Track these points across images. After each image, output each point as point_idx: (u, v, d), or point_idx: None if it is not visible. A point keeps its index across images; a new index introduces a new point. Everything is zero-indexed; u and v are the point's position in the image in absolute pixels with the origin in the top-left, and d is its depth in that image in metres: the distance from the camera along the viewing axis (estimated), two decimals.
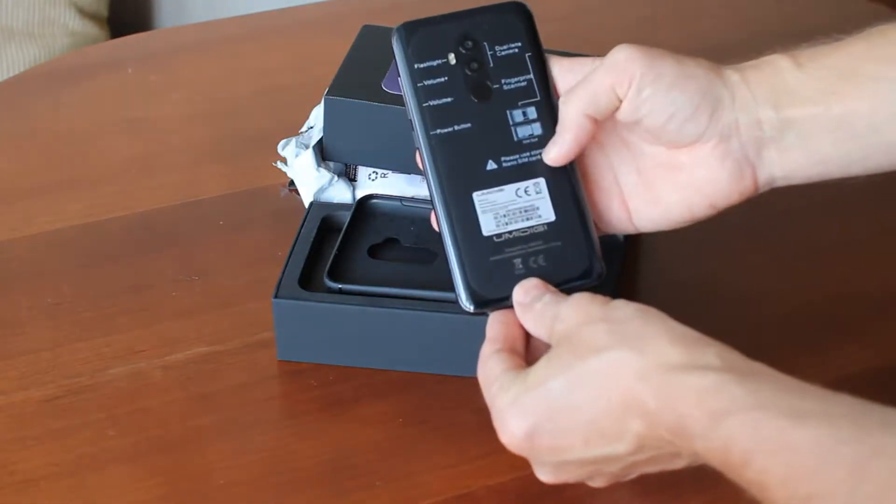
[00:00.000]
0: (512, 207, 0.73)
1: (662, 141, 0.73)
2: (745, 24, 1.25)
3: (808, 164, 0.72)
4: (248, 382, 0.83)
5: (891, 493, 0.55)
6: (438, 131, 0.74)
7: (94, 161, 1.05)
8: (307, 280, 0.84)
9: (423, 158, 0.74)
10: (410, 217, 0.89)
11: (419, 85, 0.74)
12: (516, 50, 0.75)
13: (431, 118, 0.74)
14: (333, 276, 0.84)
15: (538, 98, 0.74)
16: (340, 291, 0.83)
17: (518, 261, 0.73)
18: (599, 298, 0.68)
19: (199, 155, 1.05)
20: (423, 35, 0.75)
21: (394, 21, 1.03)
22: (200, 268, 0.92)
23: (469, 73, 0.74)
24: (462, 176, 0.74)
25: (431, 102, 0.74)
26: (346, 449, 0.78)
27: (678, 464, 0.67)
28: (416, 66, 0.74)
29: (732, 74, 0.72)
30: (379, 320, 0.82)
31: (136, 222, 0.97)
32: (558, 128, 0.73)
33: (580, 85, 0.73)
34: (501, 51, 0.75)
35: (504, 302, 0.72)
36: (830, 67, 0.72)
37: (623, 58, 0.71)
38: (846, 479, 0.57)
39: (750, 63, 0.73)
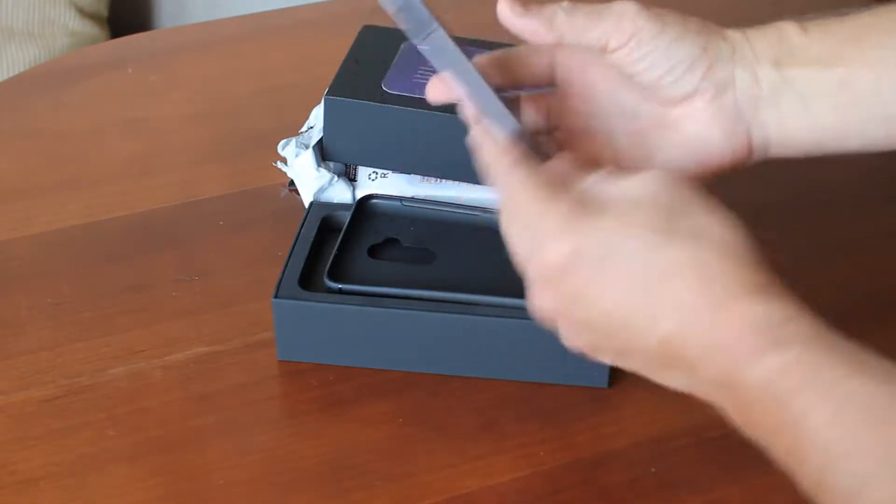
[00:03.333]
0: None
1: (657, 95, 0.72)
2: (746, 24, 1.25)
3: (805, 129, 0.71)
4: (248, 382, 0.83)
5: None
6: None
7: (94, 161, 1.05)
8: (307, 280, 0.85)
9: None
10: (410, 217, 0.89)
11: None
12: None
13: None
14: (333, 276, 0.84)
15: None
16: (340, 291, 0.83)
17: None
18: (675, 180, 0.63)
19: (199, 155, 1.05)
20: None
21: (394, 21, 1.03)
22: (200, 268, 0.92)
23: None
24: None
25: None
26: (346, 449, 0.78)
27: (671, 382, 0.64)
28: None
29: (734, 33, 0.72)
30: (379, 320, 0.82)
31: (136, 222, 0.97)
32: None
33: (586, 11, 0.71)
34: None
35: None
36: (836, 33, 0.71)
37: (630, 8, 0.70)
38: (892, 440, 0.55)
39: (755, 27, 0.72)
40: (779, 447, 0.59)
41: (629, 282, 0.61)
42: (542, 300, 0.64)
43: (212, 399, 0.82)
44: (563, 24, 0.71)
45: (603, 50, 0.71)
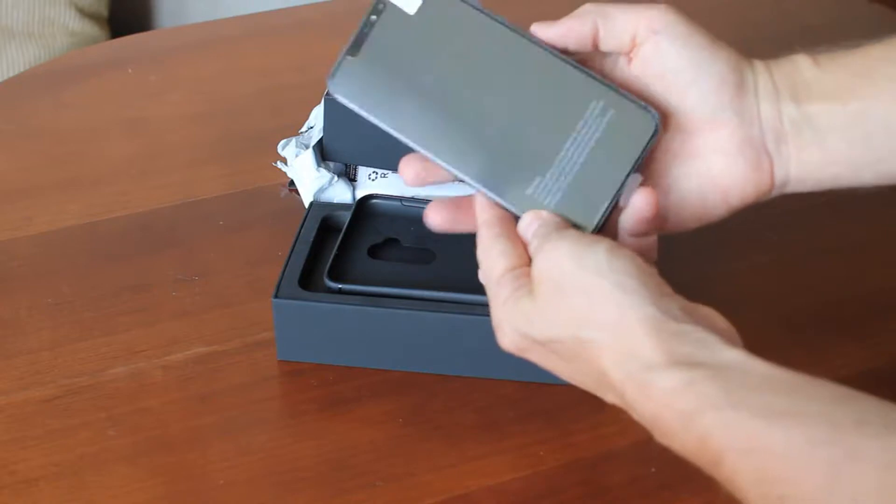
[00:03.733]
0: None
1: (682, 112, 0.70)
2: (745, 24, 1.25)
3: (822, 164, 0.70)
4: (248, 382, 0.83)
5: (866, 498, 0.55)
6: None
7: (94, 161, 1.05)
8: (307, 280, 0.85)
9: None
10: (410, 217, 0.89)
11: None
12: None
13: None
14: (333, 276, 0.84)
15: None
16: (340, 291, 0.83)
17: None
18: (571, 254, 0.66)
19: (199, 155, 1.05)
20: None
21: None
22: (200, 268, 0.92)
23: None
24: None
25: None
26: (346, 449, 0.78)
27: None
28: None
29: (759, 64, 0.71)
30: (379, 320, 0.82)
31: (136, 222, 0.97)
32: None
33: (621, 7, 0.71)
34: None
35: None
36: (847, 66, 0.70)
37: (663, 9, 0.70)
38: (821, 482, 0.56)
39: (773, 60, 0.72)
40: (735, 495, 0.61)
41: (567, 368, 0.67)
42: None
43: (212, 399, 0.82)
44: (595, 11, 0.71)
45: (632, 42, 0.70)
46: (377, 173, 0.94)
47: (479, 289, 0.80)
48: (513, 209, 0.70)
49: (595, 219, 0.70)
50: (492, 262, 0.69)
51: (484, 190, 0.71)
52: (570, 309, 0.65)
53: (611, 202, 0.70)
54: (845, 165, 0.71)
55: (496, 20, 0.72)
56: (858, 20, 1.26)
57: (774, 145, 0.70)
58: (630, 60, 0.71)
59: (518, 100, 0.71)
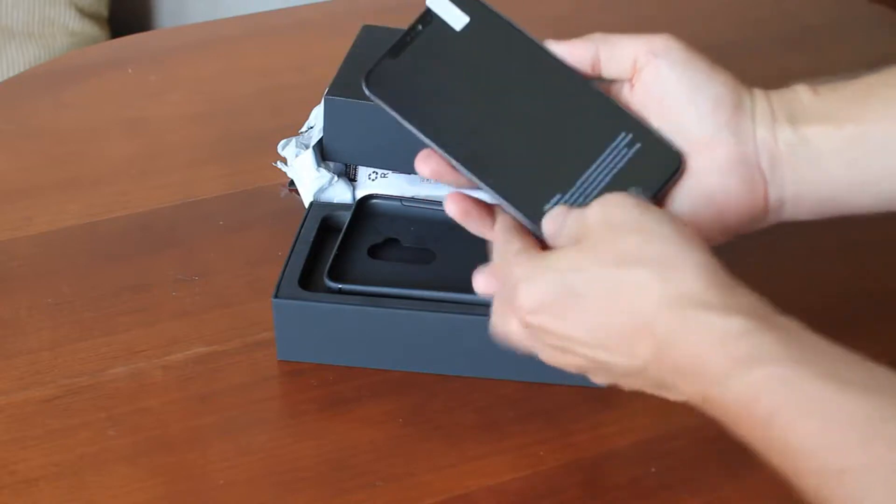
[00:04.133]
0: None
1: (680, 133, 0.71)
2: (746, 24, 1.25)
3: (817, 185, 0.71)
4: (248, 382, 0.83)
5: None
6: None
7: (94, 161, 1.05)
8: (307, 280, 0.85)
9: None
10: (410, 217, 0.89)
11: None
12: None
13: None
14: (333, 276, 0.84)
15: None
16: (340, 291, 0.83)
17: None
18: (637, 203, 0.67)
19: (199, 155, 1.05)
20: None
21: (394, 21, 1.04)
22: (200, 268, 0.92)
23: None
24: None
25: None
26: (346, 449, 0.78)
27: (670, 397, 0.66)
28: None
29: (758, 91, 0.72)
30: (379, 320, 0.82)
31: (136, 222, 0.97)
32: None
33: (626, 36, 0.72)
34: None
35: None
36: (843, 91, 0.71)
37: (664, 35, 0.71)
38: (887, 455, 0.55)
39: (773, 90, 0.73)
40: (773, 461, 0.59)
41: (597, 316, 0.64)
42: (522, 340, 0.69)
43: (212, 399, 0.82)
44: (599, 38, 0.72)
45: (633, 68, 0.71)
46: (377, 173, 0.94)
47: None
48: (527, 223, 0.71)
49: None
50: (507, 243, 0.69)
51: (503, 202, 0.72)
52: (624, 244, 0.64)
53: None
54: (841, 187, 0.71)
55: (539, 45, 0.73)
56: (858, 20, 1.26)
57: (769, 166, 0.71)
58: (632, 86, 0.72)
59: (549, 119, 0.73)
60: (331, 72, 0.95)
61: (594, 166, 0.72)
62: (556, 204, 0.71)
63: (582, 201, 0.71)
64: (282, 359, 0.84)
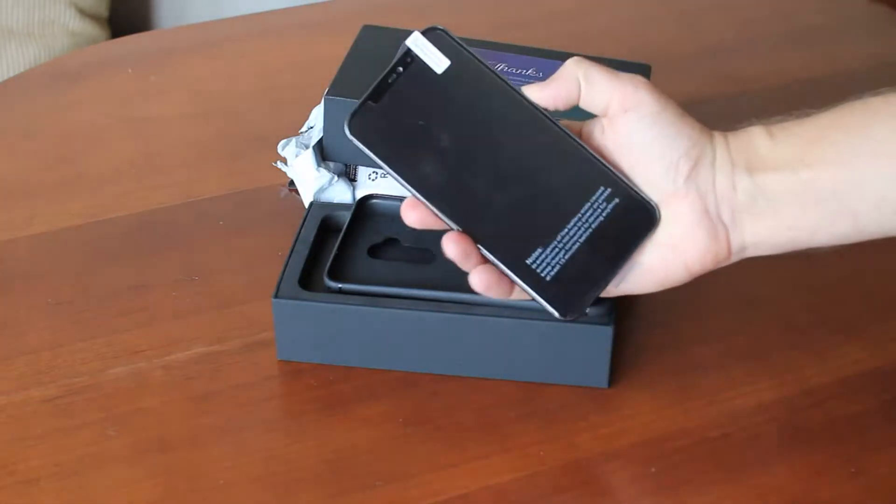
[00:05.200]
0: None
1: (646, 185, 0.74)
2: (746, 24, 1.25)
3: (776, 230, 0.74)
4: (248, 382, 0.83)
5: None
6: None
7: (94, 161, 1.05)
8: (307, 280, 0.85)
9: None
10: None
11: None
12: None
13: None
14: (333, 275, 0.84)
15: None
16: (340, 291, 0.83)
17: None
18: None
19: (199, 155, 1.05)
20: None
21: (394, 21, 1.04)
22: (200, 268, 0.92)
23: None
24: None
25: None
26: (346, 449, 0.78)
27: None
28: None
29: (718, 138, 0.75)
30: (379, 320, 0.82)
31: (136, 222, 0.97)
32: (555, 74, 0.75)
33: (603, 68, 0.75)
34: None
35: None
36: (798, 136, 0.74)
37: (642, 82, 0.74)
38: None
39: (732, 131, 0.75)
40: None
41: None
42: None
43: (212, 399, 0.82)
44: (580, 72, 0.75)
45: (605, 111, 0.74)
46: (377, 173, 0.94)
47: None
48: (510, 274, 0.74)
49: (586, 301, 0.75)
50: None
51: (485, 252, 0.74)
52: None
53: (602, 287, 0.75)
54: (800, 230, 0.74)
55: (520, 95, 0.75)
56: (858, 20, 1.26)
57: (729, 216, 0.74)
58: (604, 130, 0.75)
59: (530, 172, 0.75)
60: (331, 72, 0.95)
61: (574, 220, 0.74)
62: (538, 258, 0.74)
63: (563, 256, 0.74)
64: (282, 359, 0.84)
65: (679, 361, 0.84)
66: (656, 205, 0.74)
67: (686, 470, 0.77)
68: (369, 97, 0.74)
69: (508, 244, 0.74)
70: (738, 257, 0.75)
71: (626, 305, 0.86)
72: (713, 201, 0.74)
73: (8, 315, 0.89)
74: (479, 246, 0.74)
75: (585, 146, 0.75)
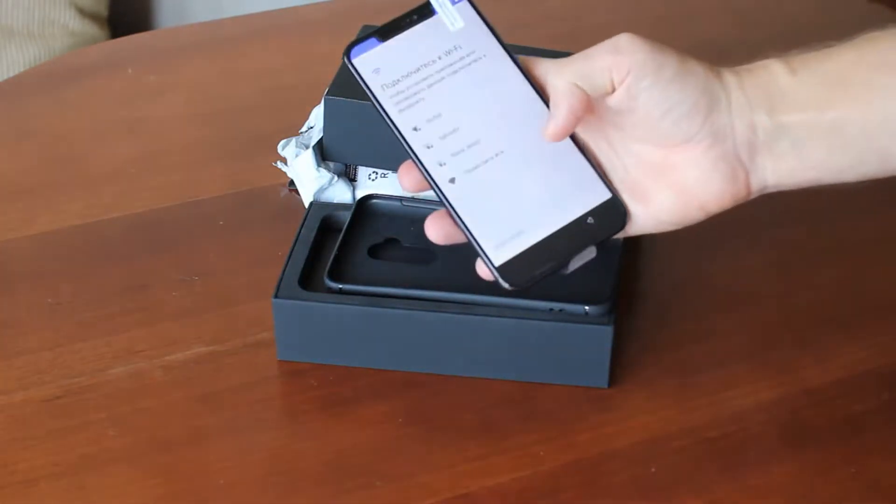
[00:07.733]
0: None
1: (654, 138, 0.72)
2: (747, 25, 1.25)
3: (800, 170, 0.72)
4: (248, 382, 0.83)
5: None
6: None
7: (94, 161, 1.05)
8: (307, 280, 0.84)
9: None
10: (410, 217, 0.89)
11: None
12: None
13: None
14: (333, 276, 0.84)
15: None
16: (340, 291, 0.83)
17: None
18: None
19: (199, 155, 1.05)
20: None
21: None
22: (200, 268, 0.92)
23: None
24: None
25: None
26: (346, 449, 0.78)
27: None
28: None
29: (730, 77, 0.72)
30: (379, 320, 0.82)
31: (135, 222, 0.97)
32: (552, 102, 0.72)
33: (575, 59, 0.71)
34: None
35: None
36: (822, 74, 0.71)
37: (626, 43, 0.70)
38: None
39: (745, 67, 0.73)
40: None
41: None
42: None
43: (212, 399, 0.82)
44: (576, 78, 0.71)
45: (611, 85, 0.71)
46: (377, 173, 0.94)
47: (480, 289, 0.81)
48: (470, 232, 0.72)
49: (536, 278, 0.72)
50: None
51: (455, 214, 0.72)
52: None
53: (553, 269, 0.72)
54: (825, 170, 0.72)
55: (526, 78, 0.73)
56: (858, 20, 1.26)
57: (749, 157, 0.71)
58: (607, 102, 0.72)
59: (515, 154, 0.73)
60: (331, 72, 0.95)
61: (547, 208, 0.72)
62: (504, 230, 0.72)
63: (527, 238, 0.72)
64: (282, 359, 0.84)
65: (679, 361, 0.84)
66: (626, 209, 0.72)
67: (686, 470, 0.77)
68: (376, 33, 0.74)
69: (480, 212, 0.72)
70: (758, 194, 0.73)
71: (626, 305, 0.86)
72: (731, 145, 0.71)
73: (8, 315, 0.89)
74: (447, 197, 0.72)
75: (575, 142, 0.73)
